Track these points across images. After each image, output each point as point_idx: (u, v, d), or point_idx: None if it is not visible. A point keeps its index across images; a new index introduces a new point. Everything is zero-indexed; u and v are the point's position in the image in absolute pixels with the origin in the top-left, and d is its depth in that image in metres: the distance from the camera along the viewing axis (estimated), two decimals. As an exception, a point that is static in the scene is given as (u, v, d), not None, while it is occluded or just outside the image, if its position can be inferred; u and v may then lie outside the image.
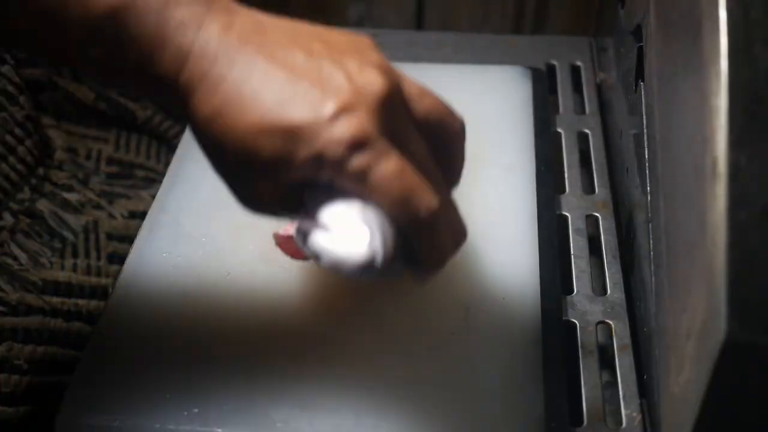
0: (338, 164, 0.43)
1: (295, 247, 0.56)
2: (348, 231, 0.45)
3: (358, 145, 0.43)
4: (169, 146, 0.89)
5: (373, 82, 0.44)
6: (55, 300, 0.70)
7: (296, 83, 0.44)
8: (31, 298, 0.68)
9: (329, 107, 0.43)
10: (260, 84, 0.44)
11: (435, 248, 0.46)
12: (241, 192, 0.47)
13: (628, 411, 0.58)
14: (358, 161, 0.43)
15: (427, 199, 0.44)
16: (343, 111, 0.43)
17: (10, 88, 0.77)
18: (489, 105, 0.81)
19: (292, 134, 0.43)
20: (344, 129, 0.43)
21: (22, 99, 0.77)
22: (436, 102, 0.48)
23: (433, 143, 0.48)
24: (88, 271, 0.74)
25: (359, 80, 0.44)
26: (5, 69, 0.77)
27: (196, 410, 0.55)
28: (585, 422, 0.57)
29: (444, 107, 0.49)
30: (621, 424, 0.58)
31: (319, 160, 0.44)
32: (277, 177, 0.45)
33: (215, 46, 0.44)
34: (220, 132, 0.45)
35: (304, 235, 0.47)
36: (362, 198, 0.45)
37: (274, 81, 0.44)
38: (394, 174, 0.44)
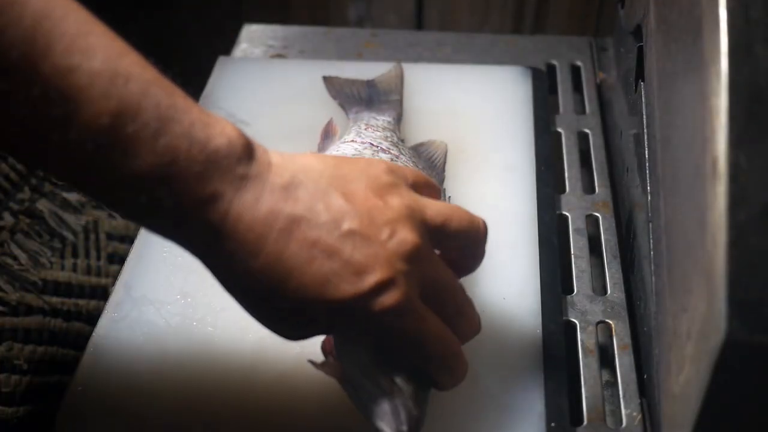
0: (380, 329, 0.46)
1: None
2: (374, 404, 0.49)
3: (398, 313, 0.46)
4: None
5: (403, 242, 0.46)
6: (55, 300, 0.70)
7: (332, 260, 0.45)
8: (31, 298, 0.68)
9: (369, 281, 0.45)
10: (294, 264, 0.44)
11: (455, 380, 0.51)
12: (272, 328, 0.48)
13: (628, 410, 0.58)
14: (398, 325, 0.46)
15: (452, 351, 0.49)
16: (382, 283, 0.45)
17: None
18: (489, 105, 0.81)
19: (334, 309, 0.45)
20: (385, 301, 0.45)
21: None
22: (460, 222, 0.51)
23: (460, 249, 0.53)
24: (88, 271, 0.74)
25: (391, 245, 0.46)
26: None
27: (196, 408, 0.55)
28: (585, 422, 0.57)
29: (468, 223, 0.51)
30: (621, 423, 0.58)
31: (360, 326, 0.46)
32: (309, 334, 0.49)
33: (246, 224, 0.44)
34: (254, 303, 0.46)
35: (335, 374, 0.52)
36: (394, 350, 0.49)
37: (309, 260, 0.44)
38: (426, 336, 0.48)
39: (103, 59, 0.41)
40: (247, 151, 0.45)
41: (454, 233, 0.50)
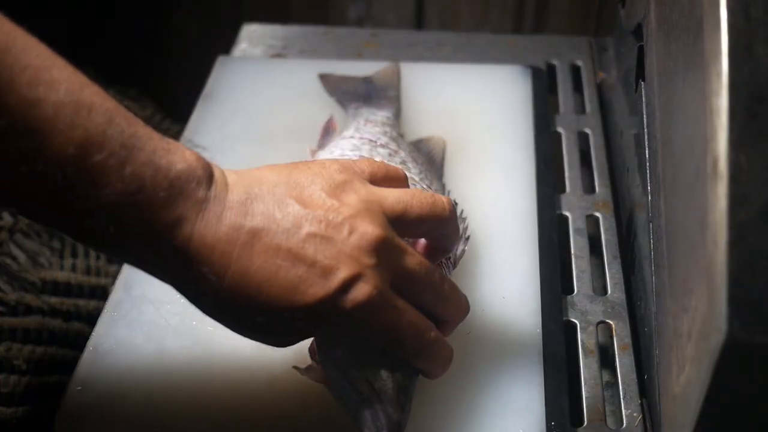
0: (355, 326, 0.47)
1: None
2: (356, 408, 0.50)
3: (370, 307, 0.46)
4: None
5: (364, 236, 0.47)
6: (54, 300, 0.70)
7: (296, 266, 0.45)
8: (30, 298, 0.68)
9: (336, 281, 0.46)
10: (261, 276, 0.45)
11: (440, 367, 0.52)
12: (258, 340, 0.49)
13: (628, 411, 0.58)
14: (372, 319, 0.47)
15: (430, 339, 0.50)
16: (349, 280, 0.46)
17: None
18: (489, 103, 0.81)
19: (308, 314, 0.46)
20: (355, 297, 0.46)
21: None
22: (422, 206, 0.51)
23: (428, 232, 0.53)
24: (87, 271, 0.74)
25: (352, 242, 0.46)
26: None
27: (195, 407, 0.55)
28: (585, 422, 0.57)
29: (430, 206, 0.51)
30: (621, 424, 0.58)
31: (337, 326, 0.47)
32: (293, 340, 0.49)
33: (210, 245, 0.45)
34: (231, 320, 0.47)
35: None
36: (373, 345, 0.49)
37: (275, 270, 0.45)
38: (401, 327, 0.48)
39: (67, 91, 0.42)
40: (206, 174, 0.46)
41: (417, 218, 0.50)
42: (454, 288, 0.53)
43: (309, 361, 0.54)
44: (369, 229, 0.47)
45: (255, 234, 0.45)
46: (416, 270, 0.49)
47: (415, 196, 0.51)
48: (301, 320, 0.46)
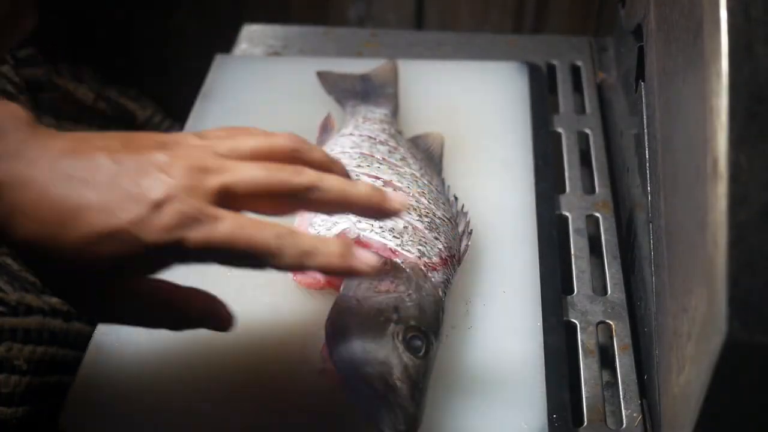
0: (179, 247, 0.45)
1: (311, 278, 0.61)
2: (372, 406, 0.50)
3: (186, 223, 0.45)
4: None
5: (179, 162, 0.46)
6: (55, 300, 0.70)
7: (112, 189, 0.45)
8: (30, 298, 0.68)
9: (145, 202, 0.45)
10: (78, 198, 0.44)
11: (316, 257, 0.47)
12: (74, 296, 0.48)
13: (628, 411, 0.58)
14: (196, 236, 0.45)
15: (273, 233, 0.46)
16: (159, 200, 0.45)
17: (9, 87, 0.77)
18: (486, 100, 0.81)
19: (122, 234, 0.44)
20: (165, 214, 0.45)
21: (21, 98, 0.77)
22: (257, 139, 0.51)
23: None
24: (87, 271, 0.74)
25: (171, 170, 0.46)
26: (5, 69, 0.77)
27: (198, 404, 0.55)
28: (585, 422, 0.57)
29: (265, 135, 0.51)
30: (621, 424, 0.58)
31: (158, 249, 0.45)
32: (121, 278, 0.47)
33: (29, 175, 0.44)
34: (46, 253, 0.45)
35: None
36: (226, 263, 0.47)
37: (92, 191, 0.45)
38: (235, 234, 0.45)
39: None
40: (26, 116, 0.46)
41: (252, 150, 0.50)
42: (314, 175, 0.49)
43: (322, 364, 0.54)
44: (186, 160, 0.47)
45: (76, 161, 0.45)
46: (247, 178, 0.48)
47: (250, 134, 0.51)
48: (116, 247, 0.45)
